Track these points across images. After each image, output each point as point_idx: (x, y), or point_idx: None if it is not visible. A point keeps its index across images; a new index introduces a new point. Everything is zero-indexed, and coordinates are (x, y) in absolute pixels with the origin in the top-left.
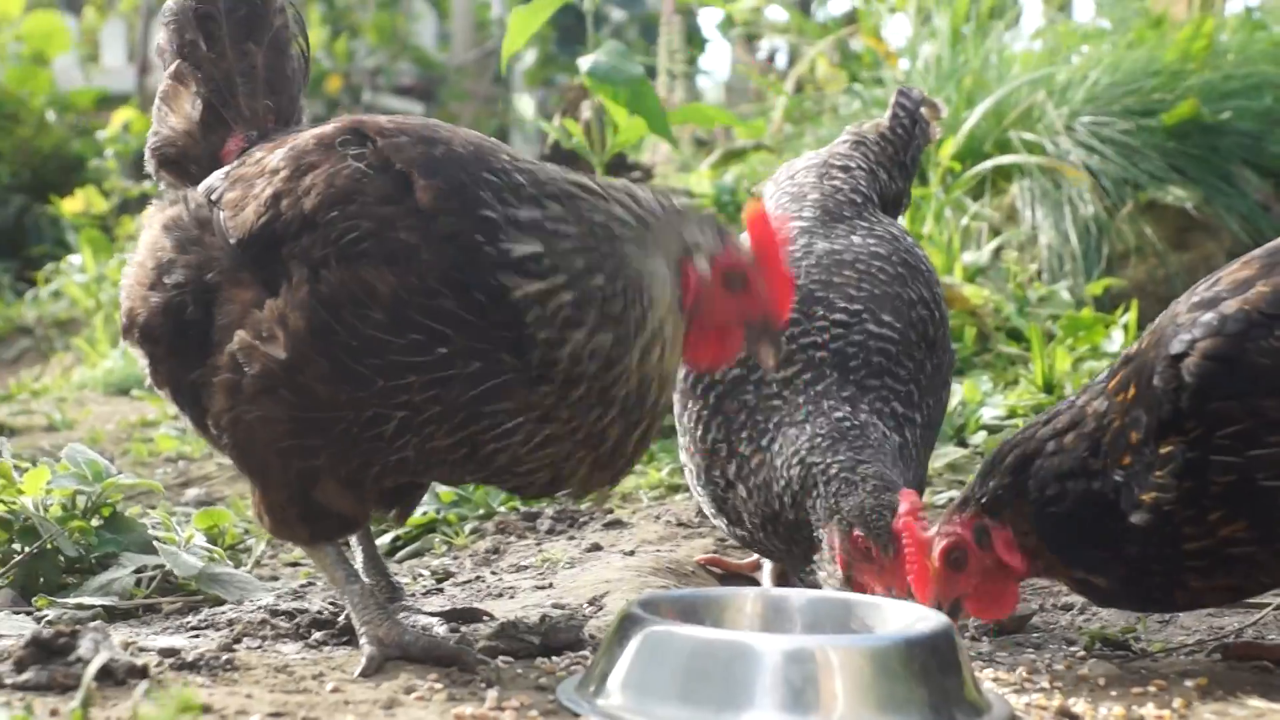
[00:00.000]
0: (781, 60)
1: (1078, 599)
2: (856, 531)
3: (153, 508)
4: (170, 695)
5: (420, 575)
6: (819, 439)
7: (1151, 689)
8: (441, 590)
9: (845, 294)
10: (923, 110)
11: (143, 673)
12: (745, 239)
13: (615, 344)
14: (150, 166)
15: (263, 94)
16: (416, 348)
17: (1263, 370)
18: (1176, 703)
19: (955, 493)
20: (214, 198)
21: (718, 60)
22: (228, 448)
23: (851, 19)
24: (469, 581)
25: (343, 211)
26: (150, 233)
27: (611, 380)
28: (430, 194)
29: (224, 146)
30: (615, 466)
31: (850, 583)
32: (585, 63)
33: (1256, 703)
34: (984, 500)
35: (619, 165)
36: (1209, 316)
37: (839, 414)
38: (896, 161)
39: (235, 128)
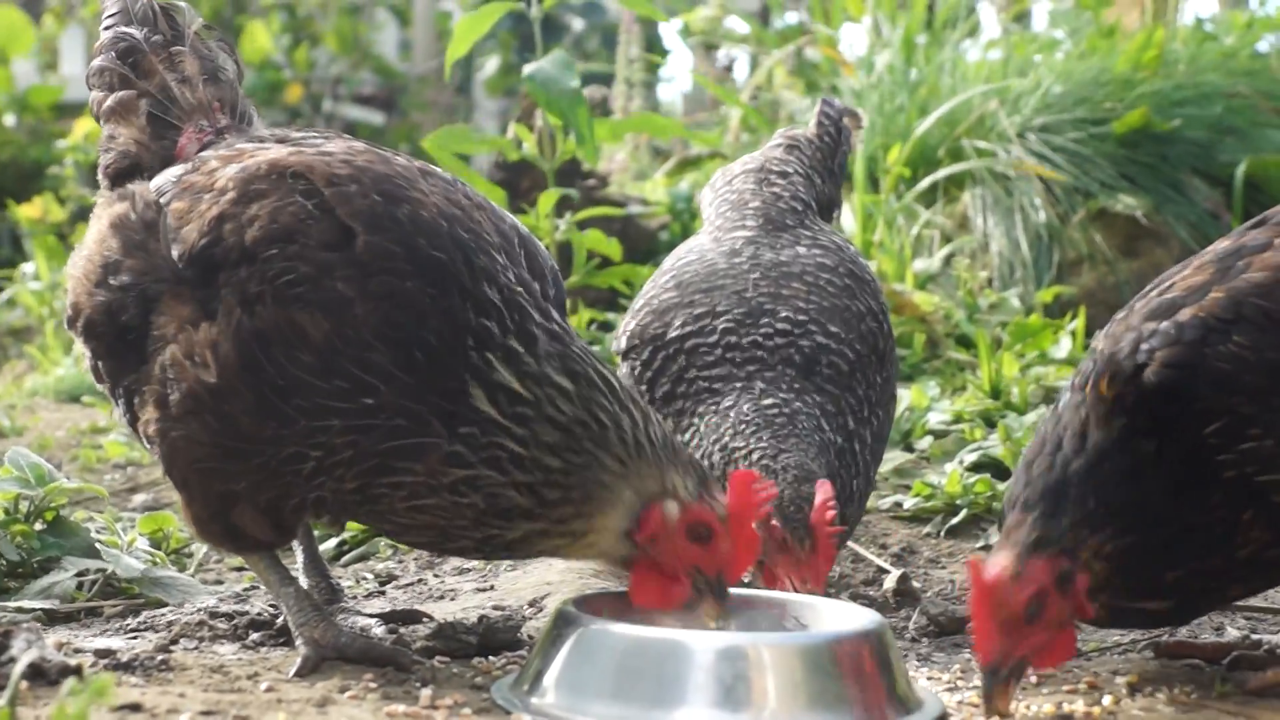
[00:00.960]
0: (742, 69)
1: None
2: (773, 522)
3: (100, 513)
4: (91, 686)
5: (364, 579)
6: (743, 424)
7: (1082, 686)
8: (383, 593)
9: (794, 306)
10: (845, 120)
11: (76, 672)
12: (723, 495)
13: (524, 511)
14: (105, 185)
15: (202, 85)
16: (342, 394)
17: (1225, 375)
18: (1106, 700)
19: (901, 496)
20: (163, 200)
21: (677, 69)
22: (156, 456)
23: (809, 29)
24: (411, 584)
25: (282, 250)
26: (99, 227)
27: (497, 524)
28: (369, 251)
29: (177, 144)
30: (495, 556)
31: (763, 573)
32: (528, 69)
33: (1183, 698)
34: (1064, 539)
35: (572, 173)
36: (1165, 325)
37: (768, 400)
38: (827, 168)
39: (185, 125)
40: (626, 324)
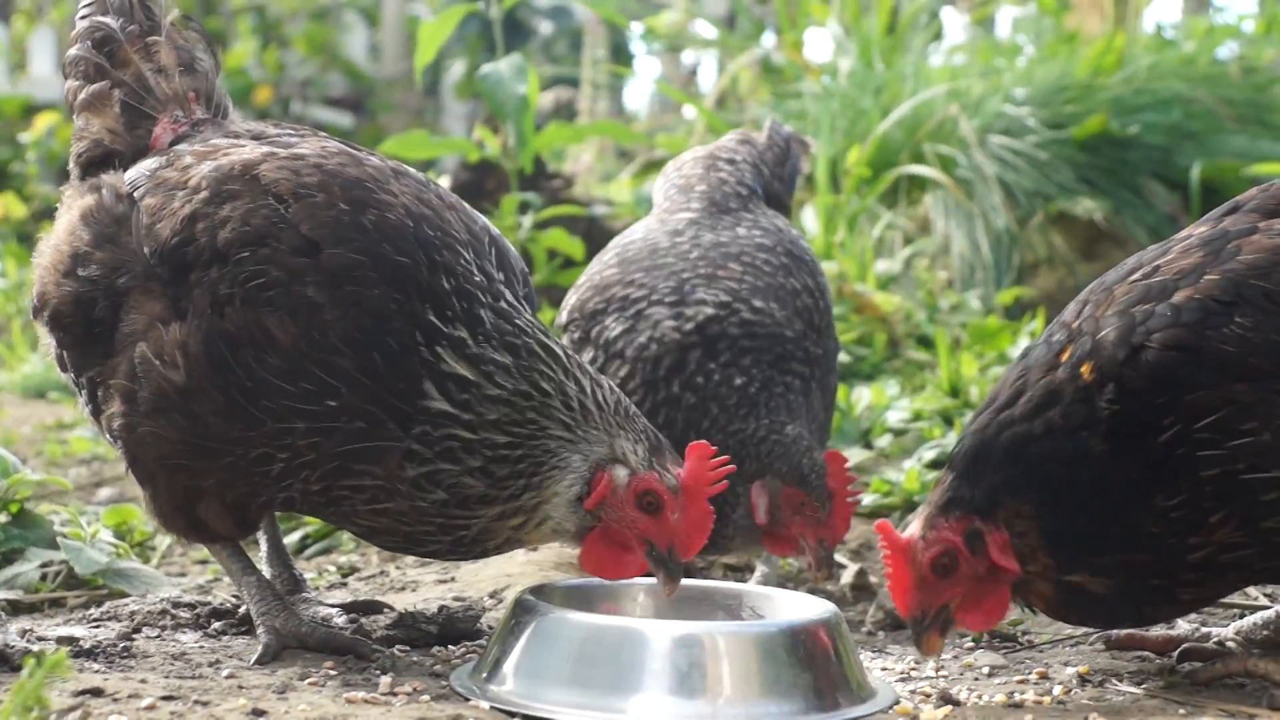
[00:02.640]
0: (710, 73)
1: None
2: (790, 489)
3: (65, 506)
4: (46, 663)
5: (326, 571)
6: (731, 407)
7: (1033, 677)
8: (346, 584)
9: (727, 287)
10: (793, 145)
11: (38, 659)
12: (677, 467)
13: (480, 496)
14: (75, 175)
15: (178, 76)
16: (307, 397)
17: (1228, 357)
18: (1056, 689)
19: (860, 493)
20: (136, 194)
21: (644, 73)
22: (120, 450)
23: (775, 33)
24: (374, 576)
25: (254, 254)
26: (69, 218)
27: (460, 516)
28: (335, 263)
29: (152, 135)
30: (468, 555)
31: (771, 536)
32: (482, 71)
33: (1131, 689)
34: (977, 501)
35: (538, 174)
36: (1161, 307)
37: (739, 380)
38: (775, 173)
39: (160, 115)
40: (569, 298)
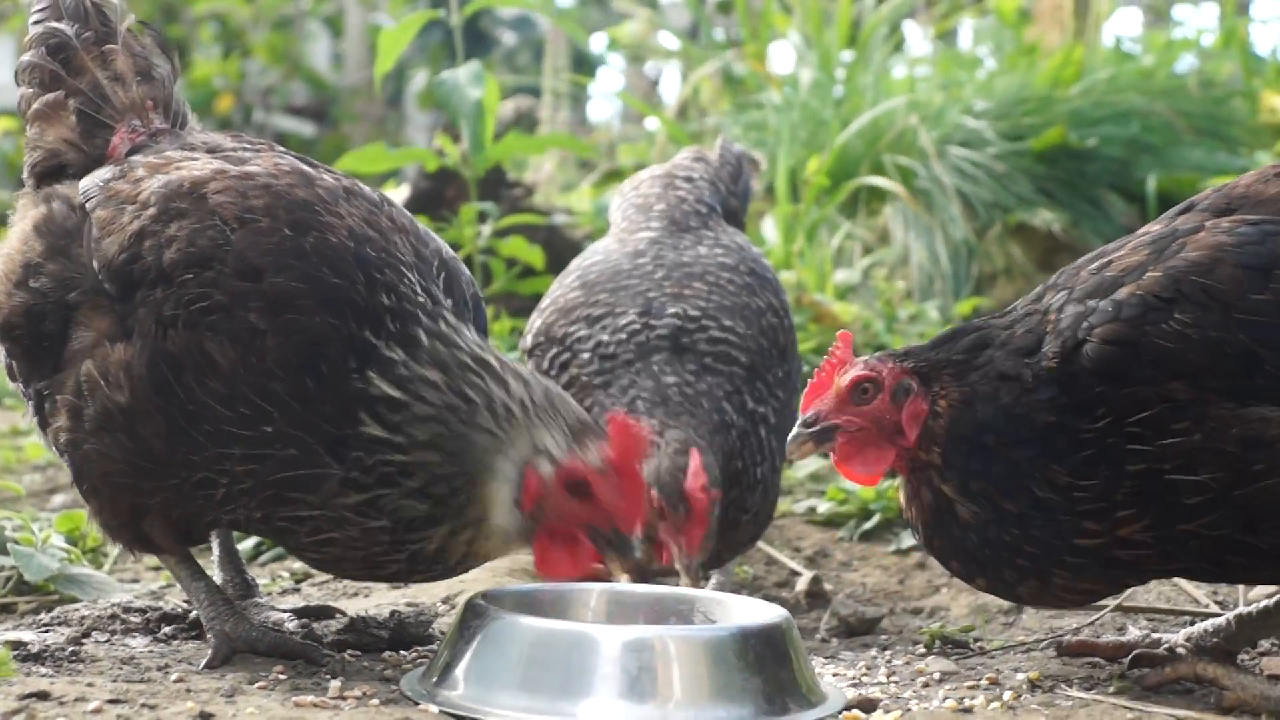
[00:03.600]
0: (672, 83)
1: (928, 603)
2: (653, 491)
3: (18, 512)
4: None
5: (280, 576)
6: (639, 400)
7: (984, 682)
8: (299, 590)
9: (694, 304)
10: (745, 164)
11: None
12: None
13: (426, 517)
14: (30, 184)
15: (135, 84)
16: (244, 421)
17: (1167, 353)
18: (1007, 695)
19: (815, 501)
20: (88, 206)
21: (606, 82)
22: (66, 463)
23: (737, 43)
24: (326, 582)
25: (198, 276)
26: (22, 228)
27: (412, 538)
28: (275, 291)
29: (110, 144)
30: (431, 574)
31: (650, 544)
32: (440, 77)
33: (1081, 694)
34: (922, 364)
35: (497, 182)
36: (1104, 303)
37: (670, 379)
38: (731, 190)
39: (117, 124)
40: (533, 322)
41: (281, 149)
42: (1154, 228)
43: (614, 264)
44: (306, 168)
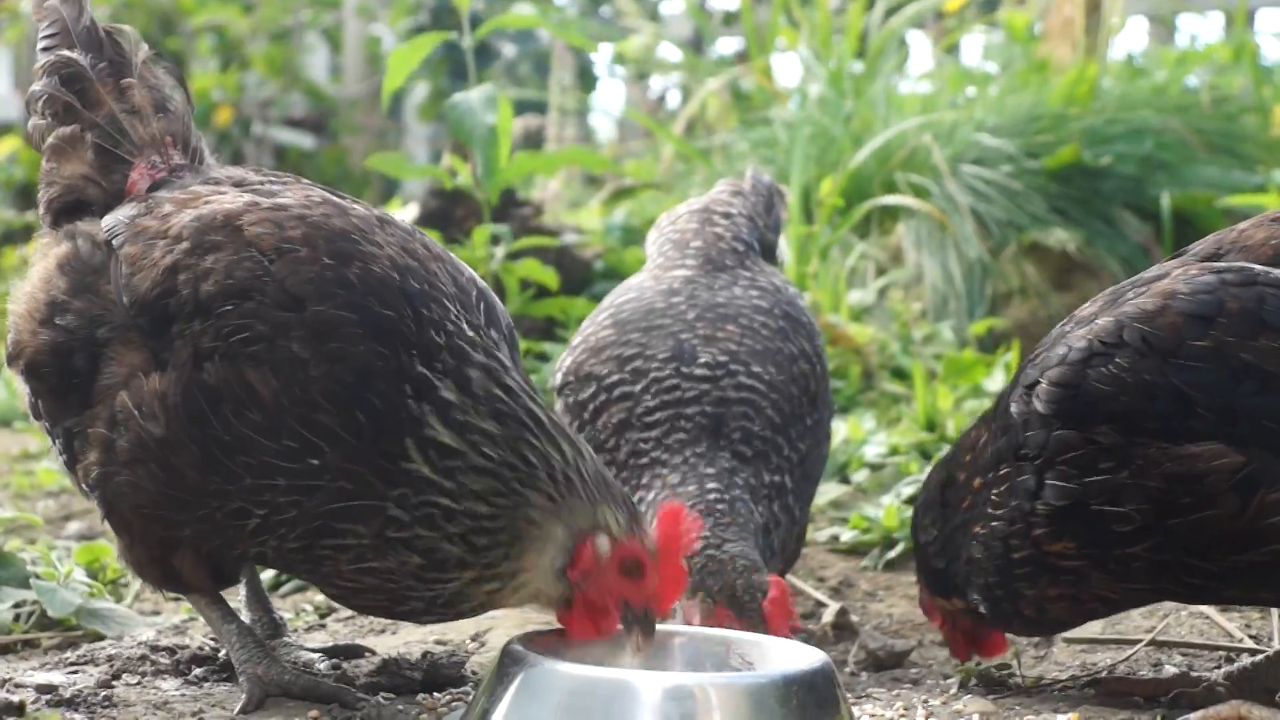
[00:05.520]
0: (675, 98)
1: None
2: (721, 609)
3: (33, 541)
4: None
5: (303, 610)
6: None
7: None
8: (324, 626)
9: (725, 349)
10: (775, 196)
11: (19, 710)
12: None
13: (458, 561)
14: (46, 222)
15: (153, 119)
16: (289, 454)
17: (1101, 395)
18: None
19: (838, 529)
20: (115, 243)
21: (610, 97)
22: (96, 499)
23: (743, 58)
24: (352, 617)
25: (238, 308)
26: (45, 265)
27: (439, 578)
28: (319, 320)
29: (128, 180)
30: (445, 617)
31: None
32: (452, 100)
33: None
34: (971, 602)
35: (507, 202)
36: (1058, 349)
37: (711, 485)
38: (767, 224)
39: (135, 159)
40: (563, 360)
41: (307, 181)
42: (1125, 283)
43: (648, 302)
44: (337, 198)
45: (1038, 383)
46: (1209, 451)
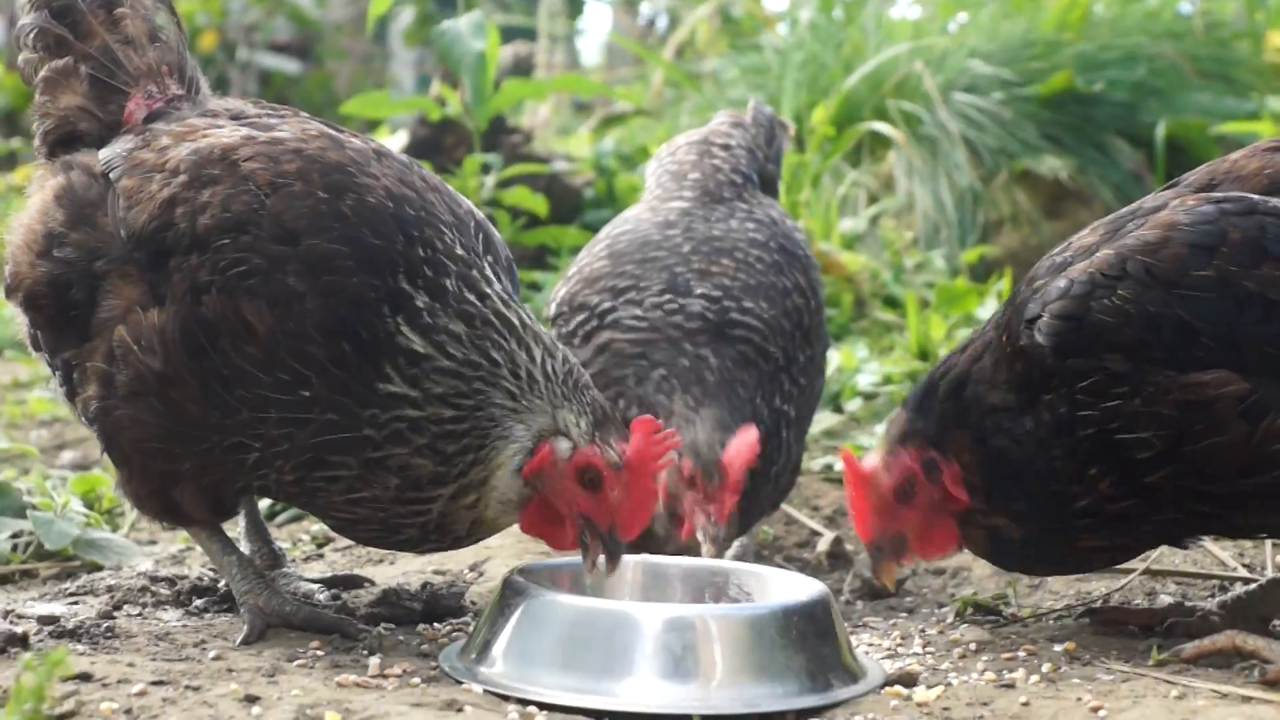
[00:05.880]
0: (664, 24)
1: (950, 563)
2: (685, 460)
3: (27, 471)
4: (47, 660)
5: (300, 540)
6: (674, 378)
7: (1021, 654)
8: (322, 555)
9: (719, 283)
10: (776, 128)
11: (23, 641)
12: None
13: (431, 476)
14: (42, 154)
15: (148, 48)
16: (281, 386)
17: (1105, 328)
18: (1045, 667)
19: (832, 459)
20: (112, 176)
21: (598, 23)
22: (96, 431)
23: None
24: (349, 547)
25: (235, 241)
26: (42, 197)
27: (420, 502)
28: (314, 253)
29: (125, 110)
30: (442, 544)
31: (671, 518)
32: (440, 27)
33: (1121, 666)
34: (930, 432)
35: (497, 129)
36: (1060, 281)
37: (711, 360)
38: (768, 155)
39: (131, 90)
40: (558, 290)
41: (305, 114)
42: (1122, 211)
43: (643, 234)
44: (334, 131)
45: (1040, 316)
46: (1217, 379)
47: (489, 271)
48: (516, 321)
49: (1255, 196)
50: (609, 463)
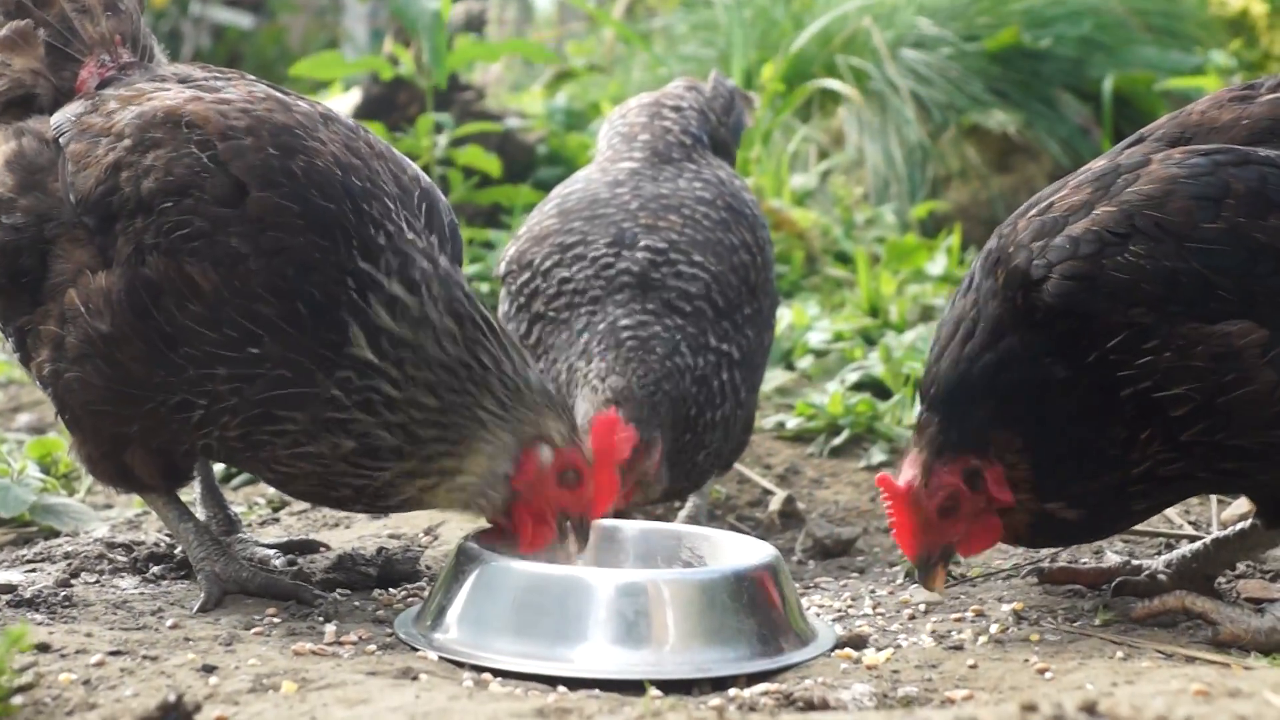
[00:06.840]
0: None
1: None
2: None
3: None
4: (7, 635)
5: (256, 504)
6: (595, 343)
7: (969, 615)
8: (278, 520)
9: (666, 238)
10: (737, 98)
11: None
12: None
13: (392, 449)
14: None
15: (103, 18)
16: (229, 343)
17: (1120, 285)
18: (994, 628)
19: (784, 416)
20: (62, 140)
21: None
22: (50, 395)
23: None
24: (305, 510)
25: (177, 204)
26: None
27: (369, 467)
28: (260, 207)
29: (78, 78)
30: (371, 507)
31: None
32: None
33: (1067, 626)
34: (968, 441)
35: (451, 86)
36: (1060, 240)
37: (625, 321)
38: (722, 121)
39: (85, 59)
40: (508, 250)
41: (253, 78)
42: (1097, 164)
43: (592, 193)
44: (281, 94)
45: (1048, 277)
46: (1242, 328)
47: (446, 263)
48: (498, 327)
49: (1244, 148)
50: (585, 460)
